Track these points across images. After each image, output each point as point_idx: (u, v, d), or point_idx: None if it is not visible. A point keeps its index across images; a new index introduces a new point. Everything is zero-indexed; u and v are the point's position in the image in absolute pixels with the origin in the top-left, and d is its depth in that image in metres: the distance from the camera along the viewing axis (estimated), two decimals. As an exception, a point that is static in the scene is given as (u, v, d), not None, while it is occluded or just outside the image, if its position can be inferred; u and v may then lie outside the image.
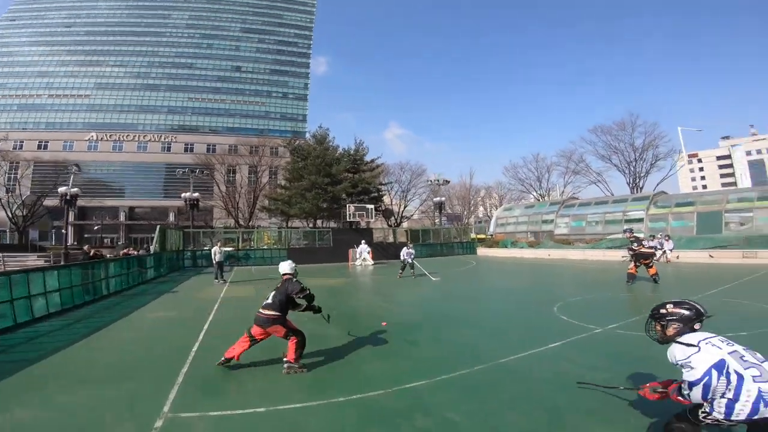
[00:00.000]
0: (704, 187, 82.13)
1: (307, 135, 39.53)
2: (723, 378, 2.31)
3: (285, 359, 4.85)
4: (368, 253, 24.29)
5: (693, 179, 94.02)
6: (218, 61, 79.78)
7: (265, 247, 29.50)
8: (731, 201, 22.29)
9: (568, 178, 45.24)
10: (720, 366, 2.33)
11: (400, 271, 16.74)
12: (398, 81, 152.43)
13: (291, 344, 4.87)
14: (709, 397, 2.35)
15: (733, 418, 2.29)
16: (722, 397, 2.32)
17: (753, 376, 2.26)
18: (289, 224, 39.26)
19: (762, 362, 2.34)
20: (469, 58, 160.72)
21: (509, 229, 33.36)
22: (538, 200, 43.51)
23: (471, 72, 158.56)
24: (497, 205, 51.05)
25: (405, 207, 46.89)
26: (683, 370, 2.48)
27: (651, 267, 11.60)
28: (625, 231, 13.56)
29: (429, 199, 49.66)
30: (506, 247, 30.91)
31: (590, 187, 45.21)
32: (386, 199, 45.43)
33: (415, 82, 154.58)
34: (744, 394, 2.25)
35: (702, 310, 2.66)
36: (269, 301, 4.98)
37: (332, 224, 38.87)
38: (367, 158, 38.64)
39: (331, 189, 33.16)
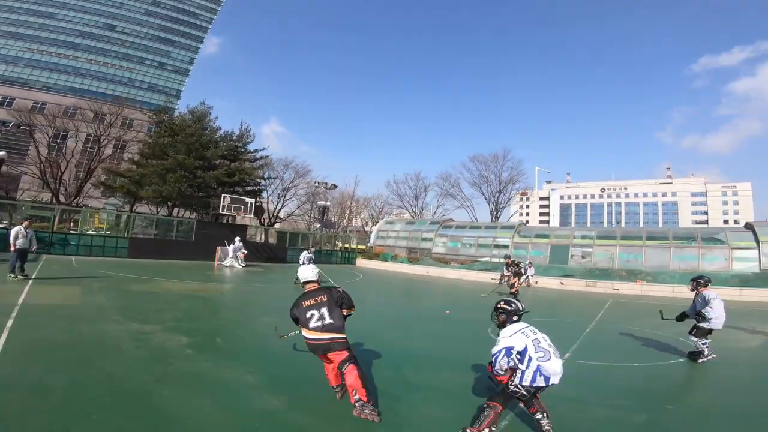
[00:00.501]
0: (527, 222, 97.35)
1: (177, 113, 33.18)
2: (519, 356, 3.42)
3: (356, 396, 3.63)
4: (242, 253, 20.83)
5: (521, 213, 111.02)
6: (91, 15, 64.92)
7: (93, 232, 22.96)
8: (576, 237, 26.30)
9: (441, 199, 48.52)
10: (511, 349, 3.47)
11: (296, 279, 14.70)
12: (292, 78, 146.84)
13: (355, 373, 3.68)
14: (507, 365, 3.48)
15: (523, 384, 3.36)
16: (519, 369, 3.40)
17: (538, 357, 3.36)
18: (134, 209, 32.03)
19: (550, 347, 3.45)
20: (369, 69, 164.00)
21: (389, 242, 33.46)
22: (413, 217, 45.53)
23: (367, 82, 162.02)
24: (375, 218, 51.65)
25: (282, 207, 43.40)
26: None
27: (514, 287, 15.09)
28: (506, 257, 17.23)
29: (309, 202, 47.28)
30: (386, 260, 30.72)
31: (458, 210, 49.41)
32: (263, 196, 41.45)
33: (305, 81, 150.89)
34: (530, 368, 3.35)
35: (520, 308, 3.82)
36: (331, 320, 3.91)
37: (191, 215, 33.34)
38: (251, 147, 34.53)
39: (202, 174, 28.19)
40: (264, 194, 41.19)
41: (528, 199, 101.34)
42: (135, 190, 27.53)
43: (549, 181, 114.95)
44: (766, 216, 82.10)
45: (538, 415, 3.47)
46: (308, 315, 3.91)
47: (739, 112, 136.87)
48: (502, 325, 3.75)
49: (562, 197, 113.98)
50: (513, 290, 14.77)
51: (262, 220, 40.94)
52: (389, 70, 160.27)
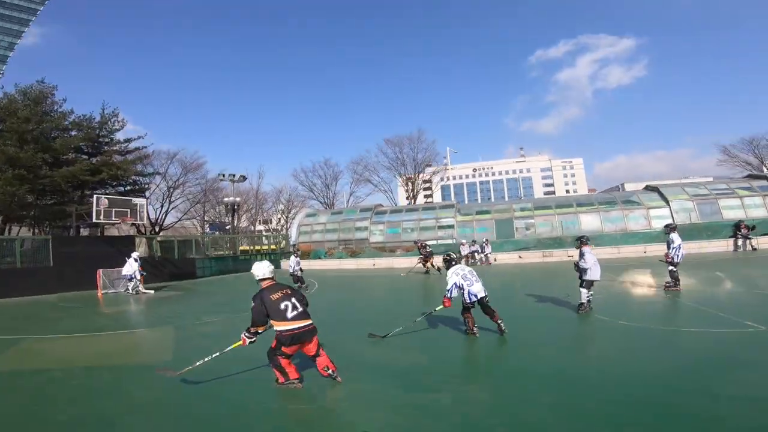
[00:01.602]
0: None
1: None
2: (459, 287, 6.16)
3: (329, 371, 4.21)
4: (138, 273, 14.79)
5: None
6: None
7: None
8: (516, 210, 25.96)
9: (354, 186, 45.35)
10: (457, 283, 6.16)
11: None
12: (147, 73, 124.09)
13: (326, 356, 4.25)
14: (453, 294, 6.17)
15: (467, 298, 6.16)
16: (462, 293, 6.16)
17: (467, 284, 6.15)
18: None
19: (473, 276, 6.31)
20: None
21: (316, 237, 29.06)
22: (326, 208, 41.55)
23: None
24: (285, 213, 45.77)
25: (168, 211, 34.95)
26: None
27: (434, 265, 16.56)
28: (416, 242, 19.81)
29: (203, 202, 39.23)
30: (320, 257, 26.52)
31: (370, 197, 46.98)
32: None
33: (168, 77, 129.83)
34: (466, 291, 6.13)
35: (454, 257, 6.76)
36: (301, 309, 4.15)
37: (35, 231, 24.09)
38: (121, 136, 26.17)
39: (48, 174, 19.89)
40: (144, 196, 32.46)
41: (443, 180, 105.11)
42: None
43: (429, 165, 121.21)
44: (596, 185, 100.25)
45: (494, 319, 6.19)
46: (282, 307, 4.04)
47: (562, 99, 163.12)
48: (447, 267, 6.55)
49: (441, 179, 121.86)
50: (434, 267, 16.47)
51: (142, 229, 32.25)
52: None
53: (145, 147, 26.76)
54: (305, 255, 27.33)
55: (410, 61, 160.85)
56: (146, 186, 28.44)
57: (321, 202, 44.43)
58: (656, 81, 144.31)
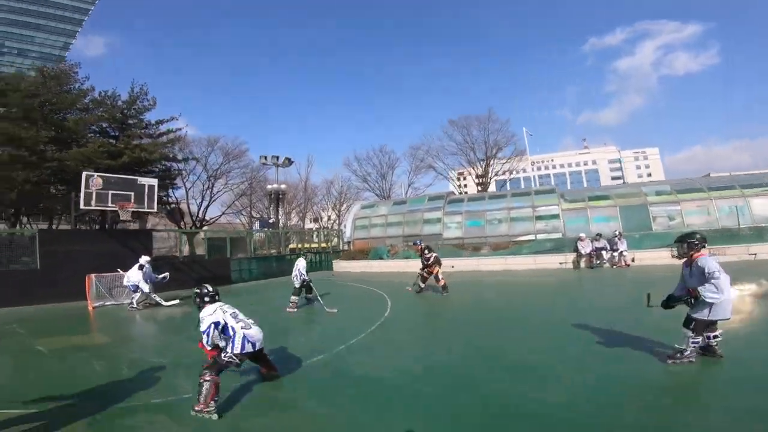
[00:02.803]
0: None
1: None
2: (221, 330, 4.00)
3: (273, 372, 4.52)
4: (150, 274, 10.36)
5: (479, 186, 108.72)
6: None
7: None
8: (650, 194, 18.91)
9: (413, 176, 39.72)
10: (218, 324, 3.99)
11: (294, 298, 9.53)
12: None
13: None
14: (209, 342, 4.02)
15: (235, 352, 3.94)
16: (226, 341, 4.00)
17: (241, 326, 4.06)
18: None
19: (247, 318, 4.25)
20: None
21: (375, 233, 23.78)
22: (381, 200, 36.30)
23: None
24: (336, 207, 41.17)
25: (209, 204, 31.37)
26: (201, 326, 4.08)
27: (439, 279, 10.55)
28: (415, 243, 12.48)
29: (247, 194, 35.49)
30: (382, 257, 21.11)
31: (431, 188, 41.21)
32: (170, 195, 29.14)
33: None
34: (237, 337, 3.99)
35: (211, 290, 4.33)
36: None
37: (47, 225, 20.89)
38: (151, 118, 22.50)
39: (57, 154, 16.20)
40: (181, 190, 29.15)
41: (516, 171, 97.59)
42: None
43: (500, 149, 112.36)
44: (675, 176, 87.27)
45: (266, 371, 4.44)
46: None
47: (622, 88, 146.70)
48: (200, 307, 4.18)
49: (496, 173, 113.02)
50: (440, 283, 10.50)
51: (181, 226, 28.89)
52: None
53: (179, 129, 22.89)
54: (362, 254, 22.14)
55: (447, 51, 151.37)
56: (179, 173, 24.70)
57: (376, 195, 39.27)
58: (730, 67, 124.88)
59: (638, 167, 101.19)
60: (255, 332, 4.08)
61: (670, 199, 18.22)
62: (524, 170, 41.89)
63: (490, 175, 36.36)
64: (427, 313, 9.02)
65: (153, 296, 10.53)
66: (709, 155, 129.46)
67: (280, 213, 24.94)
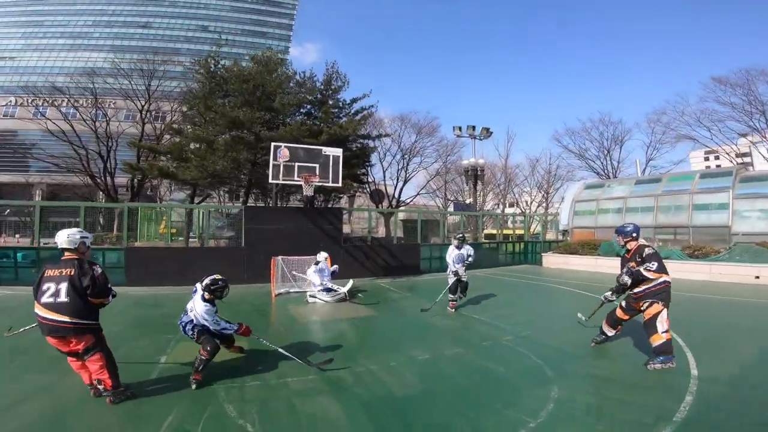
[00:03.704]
0: None
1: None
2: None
3: (102, 387, 3.49)
4: (324, 269, 8.61)
5: None
6: (181, 20, 63.61)
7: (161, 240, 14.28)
8: None
9: (653, 151, 29.55)
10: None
11: (451, 296, 7.83)
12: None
13: (100, 363, 3.44)
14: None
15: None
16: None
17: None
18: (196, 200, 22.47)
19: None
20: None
21: (606, 220, 17.47)
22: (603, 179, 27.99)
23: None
24: (543, 189, 34.87)
25: (404, 184, 30.58)
26: None
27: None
28: (621, 231, 5.04)
29: (442, 173, 33.40)
30: (619, 255, 14.82)
31: (680, 166, 30.02)
32: (370, 176, 29.17)
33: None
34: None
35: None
36: (66, 299, 3.30)
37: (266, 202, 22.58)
38: (346, 97, 22.41)
39: (266, 134, 16.89)
40: (379, 173, 29.23)
41: None
42: (175, 170, 17.48)
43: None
44: None
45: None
46: (44, 287, 3.34)
47: None
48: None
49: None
50: (653, 339, 4.48)
51: (380, 207, 28.99)
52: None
53: (372, 106, 22.01)
54: (586, 247, 16.40)
55: None
56: (374, 150, 24.06)
57: (597, 174, 31.12)
58: None
59: None
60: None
61: None
62: None
63: None
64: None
65: (326, 293, 8.67)
66: None
67: (478, 192, 21.41)
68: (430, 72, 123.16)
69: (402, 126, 29.78)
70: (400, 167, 30.22)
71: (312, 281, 8.93)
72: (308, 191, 10.33)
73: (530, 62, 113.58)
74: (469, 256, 7.78)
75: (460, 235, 8.13)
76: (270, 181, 10.54)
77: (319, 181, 10.61)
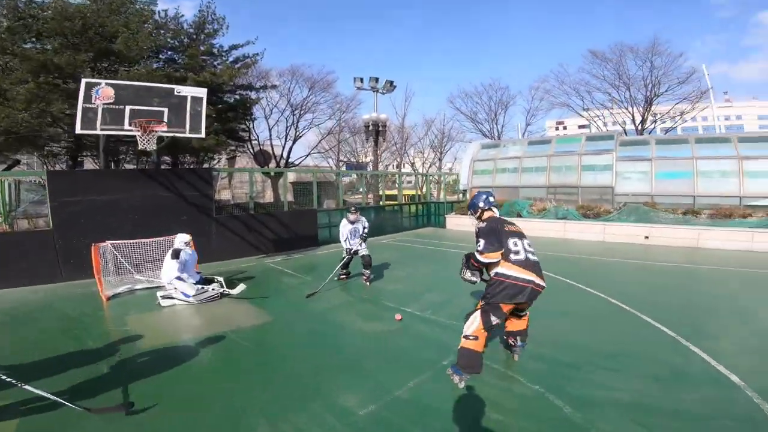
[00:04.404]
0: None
1: None
2: None
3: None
4: (188, 262, 5.85)
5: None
6: None
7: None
8: None
9: (531, 117, 31.58)
10: None
11: (342, 270, 7.35)
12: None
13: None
14: None
15: None
16: None
17: None
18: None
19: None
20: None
21: (504, 180, 17.44)
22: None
23: None
24: (438, 149, 34.89)
25: (294, 142, 27.23)
26: None
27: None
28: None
29: (336, 132, 30.83)
30: (520, 215, 14.93)
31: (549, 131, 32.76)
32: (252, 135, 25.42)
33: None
34: None
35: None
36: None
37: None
38: (224, 43, 18.22)
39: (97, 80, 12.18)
40: (265, 132, 25.37)
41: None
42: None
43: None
44: None
45: None
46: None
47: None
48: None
49: (657, 119, 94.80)
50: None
51: (268, 169, 25.33)
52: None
53: (257, 54, 18.12)
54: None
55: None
56: (256, 101, 20.28)
57: (485, 136, 32.17)
58: None
59: (790, 125, 79.99)
60: None
61: None
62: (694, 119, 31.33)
63: (646, 121, 26.59)
64: None
65: (197, 294, 6.05)
66: None
67: (379, 151, 19.57)
68: (323, 28, 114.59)
69: (293, 79, 25.91)
70: (289, 124, 26.64)
71: (164, 275, 6.18)
72: (147, 144, 7.06)
73: (433, 23, 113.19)
74: (364, 228, 7.20)
75: (353, 208, 7.51)
76: (78, 131, 6.92)
77: (167, 130, 7.37)
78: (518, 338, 3.86)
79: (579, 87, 27.90)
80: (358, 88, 17.98)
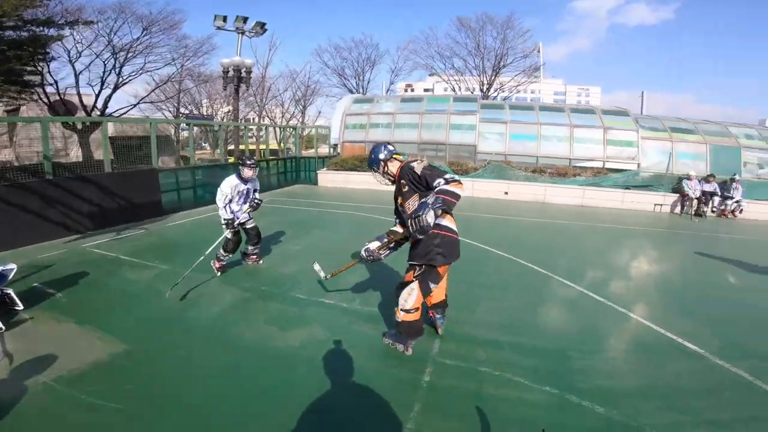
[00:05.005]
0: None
1: None
2: None
3: None
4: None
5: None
6: None
7: None
8: (740, 136, 14.62)
9: (394, 76, 31.93)
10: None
11: (224, 254, 5.09)
12: None
13: None
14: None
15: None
16: None
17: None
18: None
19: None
20: None
21: (377, 135, 16.81)
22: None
23: None
24: (301, 103, 32.04)
25: (114, 90, 20.80)
26: None
27: None
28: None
29: (177, 80, 24.92)
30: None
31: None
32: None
33: None
34: None
35: None
36: None
37: None
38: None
39: None
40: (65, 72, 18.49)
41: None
42: None
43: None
44: None
45: None
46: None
47: (574, 28, 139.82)
48: None
49: (499, 88, 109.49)
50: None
51: (74, 123, 18.75)
52: None
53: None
54: (359, 162, 15.45)
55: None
56: (56, 39, 14.39)
57: (350, 92, 31.14)
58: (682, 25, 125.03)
59: (579, 102, 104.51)
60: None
61: (761, 145, 14.21)
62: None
63: (490, 91, 29.70)
64: None
65: None
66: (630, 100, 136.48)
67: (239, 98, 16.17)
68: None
69: (118, 17, 19.01)
70: (107, 69, 19.86)
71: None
72: None
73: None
74: (256, 191, 5.20)
75: (251, 161, 5.01)
76: None
77: None
78: (440, 310, 3.36)
79: (444, 51, 29.16)
80: (219, 28, 14.36)
